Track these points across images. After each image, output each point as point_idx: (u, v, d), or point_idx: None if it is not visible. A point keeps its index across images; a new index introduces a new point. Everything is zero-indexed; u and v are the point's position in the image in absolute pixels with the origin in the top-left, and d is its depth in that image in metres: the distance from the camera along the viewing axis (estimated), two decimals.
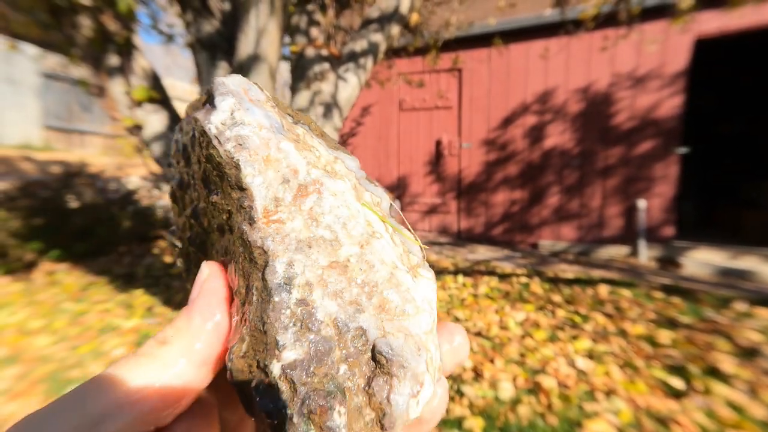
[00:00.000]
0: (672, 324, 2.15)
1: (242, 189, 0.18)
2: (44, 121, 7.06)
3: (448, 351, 0.21)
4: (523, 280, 3.10)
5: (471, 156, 4.70)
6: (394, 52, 3.33)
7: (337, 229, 0.18)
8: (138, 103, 1.72)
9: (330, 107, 1.64)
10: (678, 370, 1.65)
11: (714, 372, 1.63)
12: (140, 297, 2.74)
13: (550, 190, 4.37)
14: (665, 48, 3.72)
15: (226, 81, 0.19)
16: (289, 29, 1.74)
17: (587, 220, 4.24)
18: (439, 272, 3.36)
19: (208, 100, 0.20)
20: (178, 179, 0.22)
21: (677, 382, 1.55)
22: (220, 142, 0.18)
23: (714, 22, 3.51)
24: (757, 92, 5.03)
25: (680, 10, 2.23)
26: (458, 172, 4.79)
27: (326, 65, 1.58)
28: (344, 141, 5.33)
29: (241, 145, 0.18)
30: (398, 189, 5.11)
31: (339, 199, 0.19)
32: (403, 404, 0.16)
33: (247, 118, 0.18)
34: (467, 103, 4.64)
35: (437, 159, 4.88)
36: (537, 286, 2.93)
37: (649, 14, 3.18)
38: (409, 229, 0.21)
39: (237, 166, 0.18)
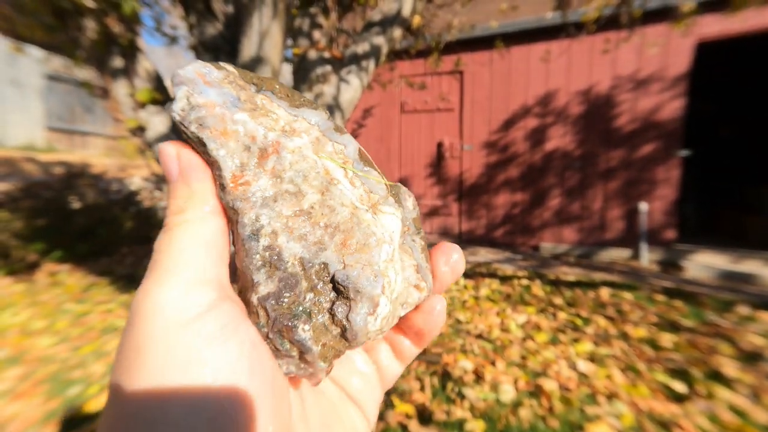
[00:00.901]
0: (674, 327, 2.14)
1: (212, 163, 0.20)
2: (47, 123, 7.09)
3: (446, 268, 0.25)
4: (525, 282, 3.09)
5: (472, 158, 4.70)
6: (395, 55, 3.33)
7: (299, 182, 0.21)
8: (141, 105, 1.73)
9: (332, 109, 1.65)
10: (680, 374, 1.65)
11: (717, 376, 1.62)
12: None
13: (552, 192, 4.37)
14: (667, 51, 3.72)
15: (180, 71, 0.20)
16: (291, 32, 1.75)
17: (589, 223, 4.23)
18: None
19: None
20: None
21: (679, 386, 1.55)
22: (185, 126, 0.20)
23: (715, 26, 3.51)
24: (757, 95, 5.02)
25: (682, 13, 2.23)
26: (459, 174, 4.79)
27: (328, 67, 1.59)
28: None
29: (201, 125, 0.20)
30: None
31: (297, 155, 0.21)
32: (360, 321, 0.20)
33: (201, 100, 0.20)
34: (469, 106, 4.64)
35: (438, 161, 4.88)
36: (538, 288, 2.93)
37: (651, 17, 3.18)
38: (375, 169, 0.23)
39: (203, 143, 0.20)
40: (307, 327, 0.19)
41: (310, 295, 0.20)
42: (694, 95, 4.06)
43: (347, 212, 0.21)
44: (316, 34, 1.72)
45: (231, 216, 0.21)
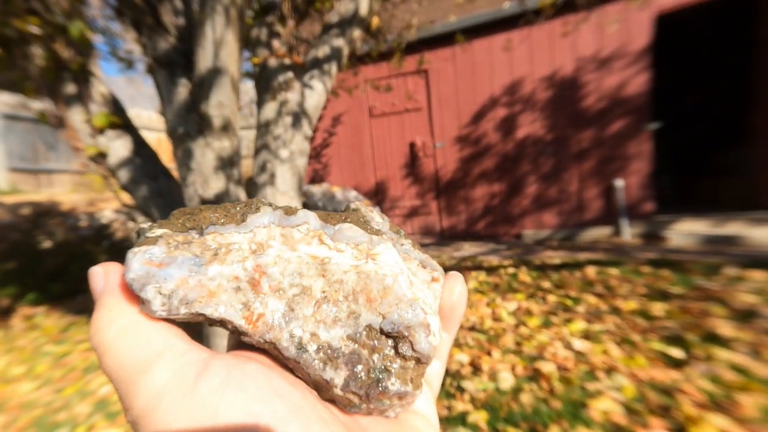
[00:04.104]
0: (664, 296, 2.17)
1: (220, 321, 0.21)
2: (9, 164, 6.80)
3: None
4: (511, 270, 3.10)
5: (446, 155, 4.73)
6: (358, 59, 3.33)
7: (298, 281, 0.22)
8: (100, 130, 1.65)
9: (298, 116, 1.61)
10: (676, 340, 1.66)
11: (713, 338, 1.63)
12: None
13: (528, 179, 4.42)
14: (627, 27, 3.81)
15: (130, 275, 0.20)
16: (249, 43, 1.71)
17: (567, 206, 4.29)
18: None
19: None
20: None
21: (677, 352, 1.55)
22: (174, 314, 0.20)
23: None
24: (717, 62, 5.21)
25: None
26: (435, 171, 4.80)
27: (290, 74, 1.56)
28: (318, 153, 5.29)
29: (187, 303, 0.20)
30: (378, 195, 5.09)
31: (280, 263, 0.22)
32: (425, 346, 0.22)
33: (171, 285, 0.20)
34: (436, 103, 4.68)
35: (413, 161, 4.89)
36: (525, 275, 2.94)
37: None
38: (342, 219, 0.25)
39: (201, 314, 0.20)
40: (393, 380, 0.21)
41: (375, 356, 0.22)
42: (658, 67, 4.17)
43: (353, 275, 0.22)
44: (275, 44, 1.69)
45: (268, 348, 0.21)
